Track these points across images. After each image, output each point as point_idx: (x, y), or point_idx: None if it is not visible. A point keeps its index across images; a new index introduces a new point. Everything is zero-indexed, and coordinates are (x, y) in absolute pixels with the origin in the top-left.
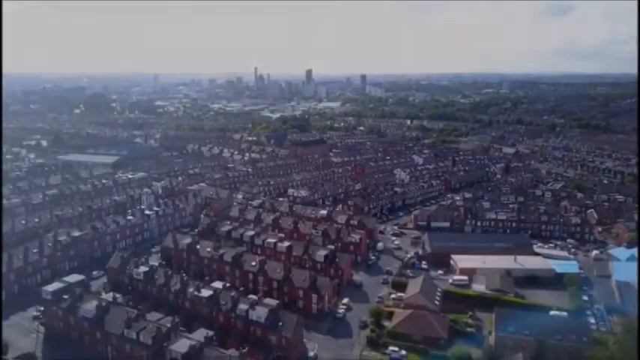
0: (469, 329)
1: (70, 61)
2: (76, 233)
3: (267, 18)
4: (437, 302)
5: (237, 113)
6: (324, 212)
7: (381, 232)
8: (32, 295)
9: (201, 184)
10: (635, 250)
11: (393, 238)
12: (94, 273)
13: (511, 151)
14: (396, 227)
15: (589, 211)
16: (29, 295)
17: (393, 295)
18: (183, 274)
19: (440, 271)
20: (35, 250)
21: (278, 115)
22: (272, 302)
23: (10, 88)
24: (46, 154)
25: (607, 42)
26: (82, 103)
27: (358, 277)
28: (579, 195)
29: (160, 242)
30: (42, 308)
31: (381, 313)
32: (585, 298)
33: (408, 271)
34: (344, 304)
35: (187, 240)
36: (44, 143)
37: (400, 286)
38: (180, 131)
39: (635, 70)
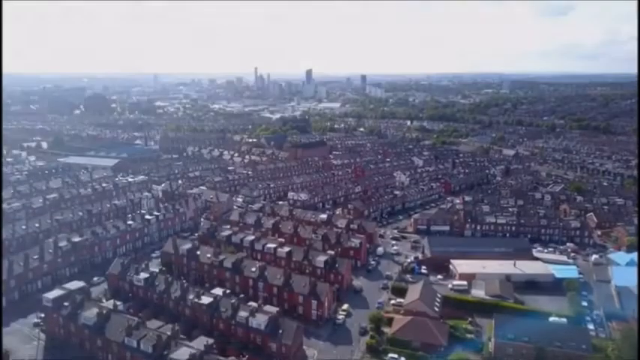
0: (469, 335)
1: (70, 61)
2: (77, 239)
3: (267, 18)
4: (436, 308)
5: (237, 114)
6: (324, 216)
7: (381, 236)
8: (33, 301)
9: (202, 187)
10: (634, 255)
11: (393, 242)
12: (95, 279)
13: (511, 152)
14: (395, 231)
15: (588, 214)
16: (30, 301)
17: (392, 301)
18: (184, 281)
19: (439, 276)
20: (36, 257)
21: (278, 115)
22: (272, 309)
23: (10, 88)
24: (47, 157)
25: (607, 42)
26: (82, 103)
27: (358, 282)
28: (579, 198)
29: (160, 247)
30: (43, 315)
31: (381, 319)
32: (585, 303)
33: (408, 276)
34: (344, 310)
35: (187, 245)
36: (44, 145)
37: (400, 292)
38: (180, 132)
39: (634, 70)
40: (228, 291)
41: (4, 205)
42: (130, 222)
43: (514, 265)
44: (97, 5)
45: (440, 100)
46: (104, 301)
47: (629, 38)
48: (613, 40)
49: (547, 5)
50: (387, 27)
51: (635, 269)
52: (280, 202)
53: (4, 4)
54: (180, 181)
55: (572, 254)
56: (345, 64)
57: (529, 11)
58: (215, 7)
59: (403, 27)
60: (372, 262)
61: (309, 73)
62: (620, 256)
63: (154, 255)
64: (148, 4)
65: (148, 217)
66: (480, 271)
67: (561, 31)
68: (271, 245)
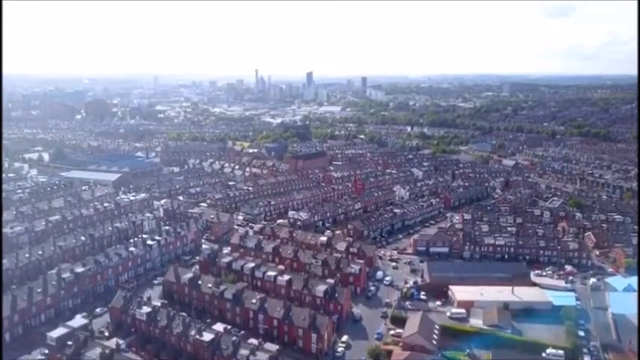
0: None
1: (71, 62)
2: (79, 269)
3: (267, 19)
4: (434, 341)
5: (237, 118)
6: (323, 239)
7: (380, 258)
8: (36, 336)
9: (202, 204)
10: (632, 280)
11: (393, 263)
12: (98, 310)
13: (511, 163)
14: (395, 252)
15: (587, 233)
16: (33, 336)
17: (392, 332)
18: (185, 315)
19: (438, 302)
20: (39, 290)
21: (279, 120)
22: (272, 347)
23: (12, 89)
24: (48, 170)
25: (607, 43)
26: (82, 108)
27: (357, 309)
28: (577, 215)
29: (162, 272)
30: (46, 351)
31: (380, 353)
32: (582, 333)
33: (407, 303)
34: (343, 342)
35: (189, 275)
36: (46, 157)
37: (399, 321)
38: (180, 141)
39: (634, 71)
40: (229, 326)
41: (7, 230)
42: (132, 248)
43: (512, 291)
44: (98, 5)
45: (440, 104)
46: (106, 333)
47: (629, 39)
48: (613, 41)
49: (547, 6)
50: (388, 28)
51: (632, 295)
52: (280, 221)
53: (4, 4)
54: (181, 197)
55: (570, 277)
56: (346, 65)
57: (529, 12)
58: (216, 7)
59: (404, 28)
60: (372, 288)
61: (309, 75)
62: (618, 281)
63: (155, 282)
64: (149, 5)
65: (149, 242)
66: (478, 298)
67: (562, 32)
68: (271, 273)
